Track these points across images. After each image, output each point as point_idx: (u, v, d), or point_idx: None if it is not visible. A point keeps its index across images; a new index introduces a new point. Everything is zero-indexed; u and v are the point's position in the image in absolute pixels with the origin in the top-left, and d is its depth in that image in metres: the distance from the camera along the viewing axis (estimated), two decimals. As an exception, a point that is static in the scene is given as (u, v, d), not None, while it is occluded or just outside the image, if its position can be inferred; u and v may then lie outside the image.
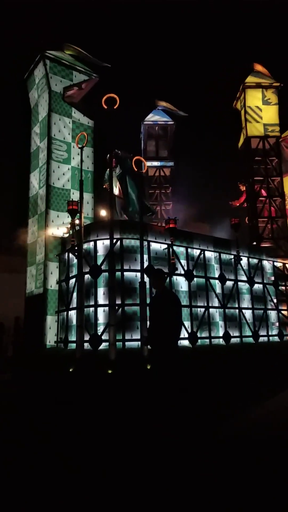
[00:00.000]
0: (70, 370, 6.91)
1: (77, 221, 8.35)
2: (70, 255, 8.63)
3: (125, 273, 7.74)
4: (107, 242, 7.61)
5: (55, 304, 9.16)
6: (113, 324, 6.95)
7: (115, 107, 7.80)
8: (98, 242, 8.00)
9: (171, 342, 5.40)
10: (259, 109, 14.62)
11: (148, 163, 17.37)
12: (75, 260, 8.14)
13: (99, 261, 7.83)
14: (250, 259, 10.74)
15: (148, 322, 6.19)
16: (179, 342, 8.20)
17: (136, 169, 8.01)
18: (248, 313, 10.27)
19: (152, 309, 5.93)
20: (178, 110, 17.39)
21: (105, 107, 7.80)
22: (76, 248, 7.98)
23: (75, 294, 8.07)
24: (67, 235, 9.34)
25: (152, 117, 17.47)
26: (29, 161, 11.13)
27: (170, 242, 8.48)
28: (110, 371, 6.52)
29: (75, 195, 9.81)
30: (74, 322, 7.92)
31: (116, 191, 9.67)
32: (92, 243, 8.05)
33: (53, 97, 10.42)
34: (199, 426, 4.40)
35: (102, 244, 7.98)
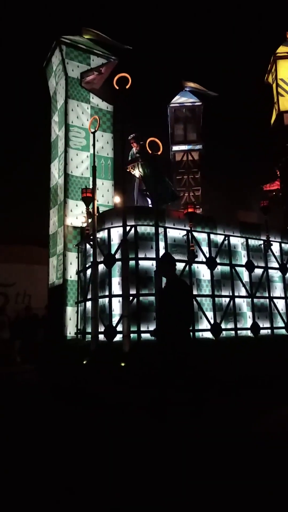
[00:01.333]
0: (84, 362, 6.73)
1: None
2: (88, 245, 8.42)
3: (141, 262, 7.37)
4: (122, 230, 7.27)
5: (74, 294, 9.02)
6: (126, 315, 6.65)
7: (127, 87, 7.43)
8: (112, 230, 7.68)
9: (184, 332, 5.23)
10: (293, 81, 13.44)
11: (176, 147, 16.76)
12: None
13: (113, 250, 7.53)
14: (283, 245, 9.94)
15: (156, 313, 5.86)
16: (201, 334, 7.80)
17: (150, 152, 7.55)
18: (280, 303, 9.53)
19: (163, 298, 5.63)
20: (207, 90, 16.49)
21: (117, 87, 7.45)
22: (90, 237, 7.74)
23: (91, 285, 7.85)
24: (85, 224, 9.12)
25: (179, 99, 16.66)
26: (49, 151, 11.01)
27: (189, 228, 7.98)
28: (123, 364, 6.24)
29: (94, 183, 9.53)
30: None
31: (137, 173, 9.30)
32: (106, 231, 7.76)
33: (70, 83, 10.14)
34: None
35: (117, 232, 7.66)
